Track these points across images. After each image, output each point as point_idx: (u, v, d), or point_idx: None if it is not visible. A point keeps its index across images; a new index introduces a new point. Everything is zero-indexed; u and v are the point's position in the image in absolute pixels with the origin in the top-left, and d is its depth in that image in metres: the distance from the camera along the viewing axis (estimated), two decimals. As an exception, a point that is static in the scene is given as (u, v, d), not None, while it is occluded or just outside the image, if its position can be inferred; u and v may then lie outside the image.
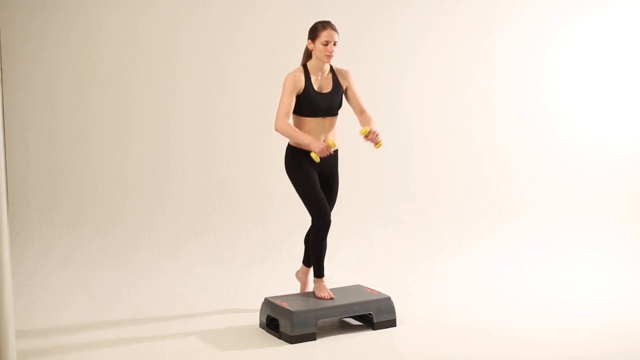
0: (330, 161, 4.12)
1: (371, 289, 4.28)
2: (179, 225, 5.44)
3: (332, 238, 5.14)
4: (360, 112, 4.17)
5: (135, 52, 5.48)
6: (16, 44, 5.43)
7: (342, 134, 5.55)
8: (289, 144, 4.13)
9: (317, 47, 3.99)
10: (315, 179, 4.07)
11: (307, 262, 4.38)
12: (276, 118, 3.99)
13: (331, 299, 4.09)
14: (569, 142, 5.75)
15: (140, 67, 5.49)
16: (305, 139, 3.95)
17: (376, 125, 4.10)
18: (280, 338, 3.92)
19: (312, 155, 3.95)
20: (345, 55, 5.52)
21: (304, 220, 5.36)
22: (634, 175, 5.76)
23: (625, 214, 5.68)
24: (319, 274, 4.17)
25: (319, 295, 4.11)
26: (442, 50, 5.65)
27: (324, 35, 3.96)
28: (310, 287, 4.36)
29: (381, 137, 3.99)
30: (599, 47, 5.76)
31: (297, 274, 4.50)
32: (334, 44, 3.98)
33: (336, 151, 4.17)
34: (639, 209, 5.72)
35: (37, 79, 5.48)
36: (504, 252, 5.36)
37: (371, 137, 3.98)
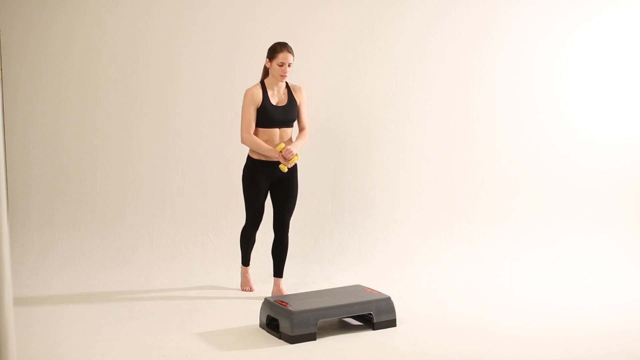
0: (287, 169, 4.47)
1: (371, 289, 4.28)
2: (179, 225, 5.44)
3: (333, 238, 5.16)
4: (301, 128, 4.58)
5: (136, 52, 5.48)
6: (17, 43, 5.44)
7: (341, 137, 5.56)
8: (248, 155, 4.54)
9: (274, 67, 4.39)
10: (261, 191, 4.52)
11: (277, 271, 4.67)
12: (241, 131, 4.45)
13: (250, 290, 4.74)
14: (571, 141, 5.74)
15: (141, 67, 5.49)
16: (270, 152, 4.40)
17: (307, 145, 4.78)
18: (280, 338, 3.92)
19: (281, 167, 4.39)
20: (347, 57, 5.54)
21: (304, 221, 5.37)
22: (634, 174, 5.75)
23: (626, 214, 5.67)
24: (244, 263, 4.78)
25: (242, 287, 4.78)
26: (444, 49, 5.65)
27: (280, 57, 4.36)
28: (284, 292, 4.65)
29: (295, 156, 4.39)
30: (601, 46, 5.75)
31: (272, 292, 4.68)
32: (289, 65, 4.38)
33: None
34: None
35: (39, 78, 5.49)
36: (505, 252, 5.36)
37: (285, 153, 4.37)
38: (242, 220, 5.47)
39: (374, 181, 5.61)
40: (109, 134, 5.52)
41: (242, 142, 4.46)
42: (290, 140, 4.50)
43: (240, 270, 4.90)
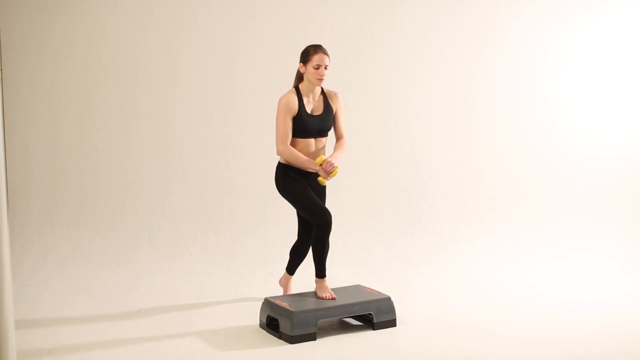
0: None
1: (371, 289, 4.28)
2: (179, 225, 5.44)
3: (333, 238, 5.14)
4: (338, 137, 4.31)
5: (136, 52, 5.48)
6: (17, 43, 5.44)
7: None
8: (279, 163, 4.26)
9: (309, 70, 4.11)
10: (306, 187, 4.19)
11: (290, 269, 4.52)
12: (277, 142, 4.14)
13: (332, 299, 4.10)
14: (571, 141, 5.75)
15: (141, 67, 5.49)
16: (308, 164, 4.12)
17: (344, 156, 4.37)
18: (280, 338, 3.92)
19: (320, 180, 4.13)
20: (347, 57, 5.54)
21: (304, 220, 5.36)
22: (634, 174, 5.75)
23: (626, 214, 5.67)
24: (322, 274, 4.20)
25: (321, 296, 4.13)
26: (444, 49, 5.65)
27: (315, 59, 4.08)
28: (292, 292, 4.52)
29: (337, 167, 4.11)
30: (601, 46, 5.75)
31: (280, 281, 4.61)
32: (325, 68, 4.10)
33: None
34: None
35: (39, 78, 5.48)
36: (505, 252, 5.36)
37: (325, 166, 4.11)
38: (241, 220, 5.48)
39: (374, 181, 5.61)
40: (109, 134, 5.52)
41: (279, 154, 4.16)
42: (323, 150, 4.24)
43: (317, 284, 4.22)
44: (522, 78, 5.71)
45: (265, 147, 5.54)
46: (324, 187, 4.32)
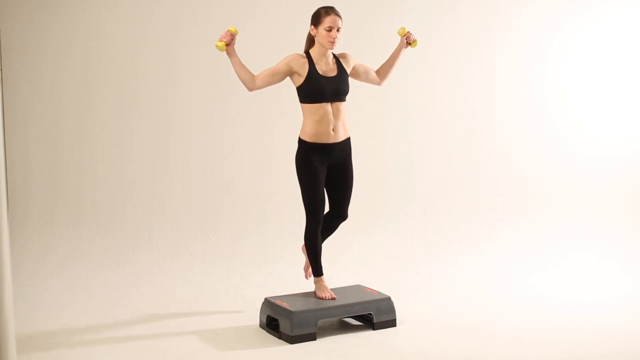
0: (343, 149, 4.04)
1: (371, 289, 4.28)
2: (179, 225, 5.44)
3: (332, 238, 5.15)
4: (377, 71, 4.22)
5: (136, 51, 5.48)
6: (17, 43, 5.44)
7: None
8: (300, 138, 4.02)
9: (320, 33, 3.92)
10: (319, 179, 4.01)
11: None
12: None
13: (332, 299, 4.09)
14: (571, 141, 5.75)
15: (141, 67, 5.49)
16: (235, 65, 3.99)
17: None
18: (280, 338, 3.92)
19: (216, 45, 3.85)
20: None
21: (303, 220, 5.36)
22: (634, 174, 5.76)
23: (626, 214, 5.67)
24: (318, 272, 4.17)
25: (320, 296, 4.11)
26: (444, 49, 5.65)
27: (327, 21, 3.89)
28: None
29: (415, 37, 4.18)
30: (601, 46, 5.76)
31: (302, 247, 4.38)
32: (338, 30, 3.91)
33: (348, 139, 4.07)
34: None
35: (39, 78, 5.48)
36: (505, 251, 5.36)
37: (408, 35, 4.14)
38: (241, 220, 5.48)
39: (374, 181, 5.61)
40: (109, 134, 5.52)
41: (251, 89, 4.02)
42: (344, 116, 3.99)
43: (315, 284, 4.17)
44: (522, 78, 5.71)
45: (265, 147, 5.56)
46: (351, 170, 4.10)
